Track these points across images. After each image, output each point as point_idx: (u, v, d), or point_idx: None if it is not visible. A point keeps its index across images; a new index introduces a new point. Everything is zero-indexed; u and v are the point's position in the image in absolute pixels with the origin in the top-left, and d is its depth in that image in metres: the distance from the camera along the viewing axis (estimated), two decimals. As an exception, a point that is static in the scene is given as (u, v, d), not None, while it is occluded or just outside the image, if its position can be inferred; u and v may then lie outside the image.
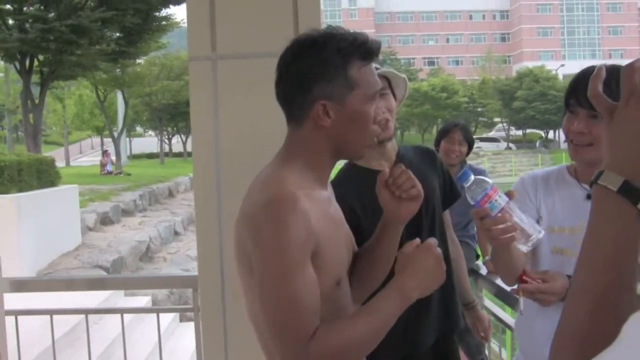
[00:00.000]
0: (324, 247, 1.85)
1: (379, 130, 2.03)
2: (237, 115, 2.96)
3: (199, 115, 3.00)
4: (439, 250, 1.92)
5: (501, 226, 2.08)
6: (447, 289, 3.09)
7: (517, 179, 2.80)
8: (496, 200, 2.08)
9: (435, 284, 1.93)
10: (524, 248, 2.14)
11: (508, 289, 3.56)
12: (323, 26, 2.87)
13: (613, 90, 1.11)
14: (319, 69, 1.88)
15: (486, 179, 2.13)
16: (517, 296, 2.41)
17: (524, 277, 2.32)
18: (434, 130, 59.07)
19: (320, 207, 1.90)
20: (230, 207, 2.84)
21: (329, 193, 2.06)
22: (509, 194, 2.11)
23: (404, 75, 3.01)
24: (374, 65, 1.99)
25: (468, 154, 5.46)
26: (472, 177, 2.12)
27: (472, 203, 2.12)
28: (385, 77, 2.92)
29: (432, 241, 1.94)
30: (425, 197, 2.89)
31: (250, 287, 1.90)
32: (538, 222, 2.56)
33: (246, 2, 2.98)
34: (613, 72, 1.29)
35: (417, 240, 1.96)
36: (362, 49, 1.92)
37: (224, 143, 2.97)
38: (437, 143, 5.47)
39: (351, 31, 1.96)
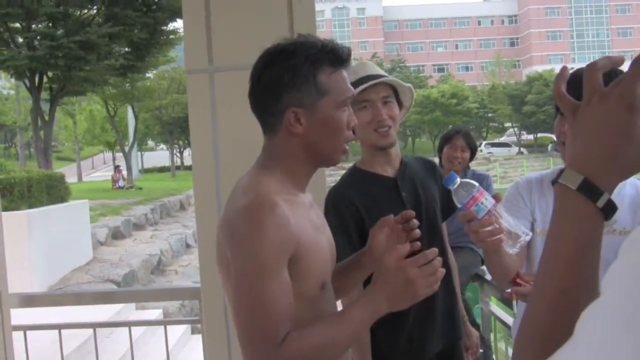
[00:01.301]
0: (305, 251, 1.87)
1: (352, 135, 2.04)
2: (235, 127, 2.98)
3: (197, 127, 3.03)
4: (414, 271, 1.83)
5: (488, 228, 2.08)
6: (451, 297, 3.10)
7: None
8: (482, 203, 2.08)
9: (404, 303, 1.88)
10: (511, 250, 2.14)
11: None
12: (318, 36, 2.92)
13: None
14: (289, 77, 1.90)
15: (472, 182, 2.13)
16: (511, 299, 2.42)
17: (517, 280, 2.33)
18: (445, 137, 58.65)
19: (301, 212, 1.92)
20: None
21: (309, 199, 2.08)
22: (496, 197, 2.12)
23: (408, 85, 3.03)
24: (344, 72, 2.00)
25: (471, 160, 5.47)
26: (459, 180, 2.13)
27: (458, 206, 2.13)
28: (390, 86, 2.94)
29: (432, 253, 1.88)
30: (425, 206, 2.94)
31: (228, 290, 1.91)
32: (533, 225, 2.58)
33: (242, 15, 3.01)
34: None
35: (402, 249, 1.90)
36: (331, 55, 1.94)
37: (223, 155, 3.00)
38: (440, 150, 5.48)
39: (321, 38, 1.98)
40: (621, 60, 1.04)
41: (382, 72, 2.98)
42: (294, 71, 1.89)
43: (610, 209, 1.00)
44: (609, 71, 1.01)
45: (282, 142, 1.96)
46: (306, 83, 1.90)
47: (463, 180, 2.13)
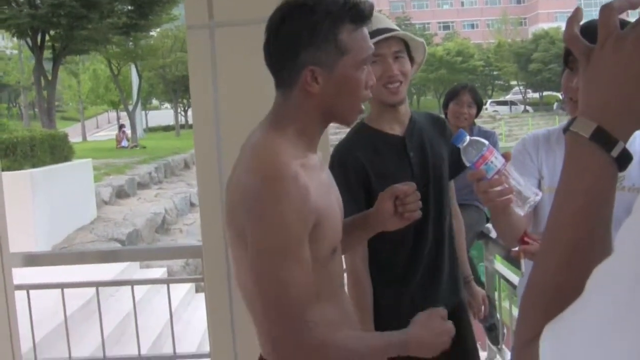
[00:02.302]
0: (323, 219, 1.84)
1: (369, 94, 1.99)
2: (236, 84, 2.94)
3: (198, 85, 2.99)
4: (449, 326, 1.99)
5: (497, 188, 2.04)
6: (454, 260, 3.08)
7: None
8: (492, 162, 2.03)
9: (430, 354, 1.96)
10: (521, 211, 2.09)
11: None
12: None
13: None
14: (308, 33, 1.82)
15: (482, 140, 2.08)
16: (519, 258, 2.40)
17: (525, 239, 2.30)
18: (451, 95, 58.65)
19: (315, 176, 1.88)
20: (231, 176, 2.85)
21: (319, 158, 2.04)
22: (506, 156, 2.07)
23: (421, 40, 2.95)
24: (366, 29, 1.92)
25: (477, 115, 5.41)
26: (468, 138, 2.08)
27: (467, 164, 2.09)
28: (402, 41, 2.86)
29: (442, 313, 2.02)
30: (433, 165, 2.90)
31: (241, 257, 1.87)
32: (540, 182, 2.54)
33: (242, -32, 2.94)
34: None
35: (442, 312, 2.04)
36: (353, 12, 1.86)
37: (223, 112, 2.96)
38: (446, 105, 5.42)
39: None
40: (639, 2, 0.97)
41: (393, 26, 2.88)
42: (314, 28, 1.82)
43: (625, 159, 0.94)
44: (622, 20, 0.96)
45: (297, 100, 1.89)
46: (326, 41, 1.83)
47: (472, 138, 2.08)
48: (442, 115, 5.14)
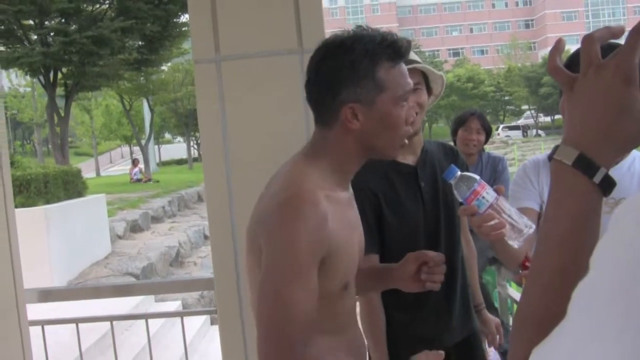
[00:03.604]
0: (337, 250, 1.84)
1: (410, 130, 2.01)
2: (244, 116, 2.96)
3: (206, 118, 3.01)
4: None
5: (490, 223, 2.04)
6: (466, 290, 3.08)
7: None
8: (484, 197, 2.03)
9: None
10: (515, 244, 2.07)
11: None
12: (325, 21, 2.90)
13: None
14: (347, 72, 1.86)
15: (473, 175, 2.08)
16: (522, 282, 2.40)
17: (526, 263, 2.30)
18: (462, 122, 58.68)
19: (339, 210, 1.88)
20: (242, 207, 2.87)
21: (349, 195, 2.05)
22: (498, 190, 2.07)
23: (440, 73, 2.99)
24: (404, 65, 1.96)
25: (486, 141, 5.41)
26: (459, 173, 2.07)
27: (460, 200, 2.09)
28: (421, 72, 2.89)
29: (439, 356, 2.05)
30: (443, 196, 2.92)
31: (256, 282, 1.87)
32: (542, 206, 2.54)
33: (247, 2, 2.98)
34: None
35: (439, 355, 2.06)
36: (391, 49, 1.89)
37: (233, 145, 2.98)
38: (454, 132, 5.41)
39: (380, 31, 1.93)
40: (621, 31, 1.00)
41: (414, 57, 2.91)
42: (353, 66, 1.86)
43: (608, 185, 0.96)
44: (608, 45, 0.98)
45: (336, 136, 1.92)
46: (365, 78, 1.86)
47: (463, 173, 2.08)
48: (451, 143, 5.16)
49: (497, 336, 3.40)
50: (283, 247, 1.75)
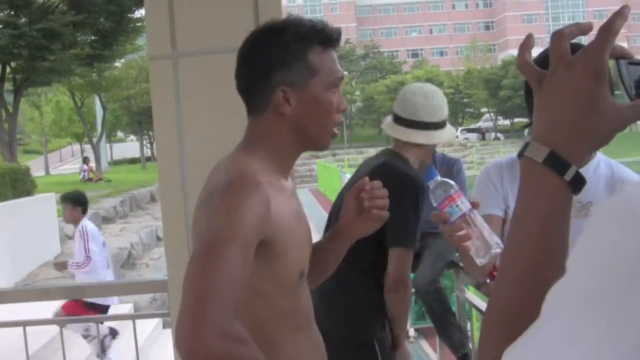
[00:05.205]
0: (284, 237, 1.82)
1: (341, 119, 2.02)
2: (201, 114, 2.94)
3: (161, 116, 2.99)
4: None
5: (459, 233, 2.02)
6: None
7: None
8: (457, 206, 2.00)
9: None
10: (481, 260, 2.00)
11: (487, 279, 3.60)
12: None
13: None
14: (278, 54, 1.86)
15: (451, 182, 2.07)
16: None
17: (495, 273, 2.29)
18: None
19: (283, 197, 1.88)
20: (197, 208, 2.85)
21: (292, 185, 2.04)
22: (474, 204, 2.05)
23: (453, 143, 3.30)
24: (334, 53, 1.97)
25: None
26: (438, 178, 2.06)
27: (434, 204, 2.07)
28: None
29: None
30: None
31: None
32: (506, 211, 2.55)
33: (205, -3, 2.96)
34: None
35: None
36: (322, 33, 1.91)
37: (189, 144, 2.96)
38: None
39: (310, 19, 1.95)
40: (589, 27, 1.01)
41: (446, 108, 3.35)
42: (284, 48, 1.86)
43: (578, 183, 0.96)
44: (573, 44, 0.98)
45: (268, 122, 1.91)
46: (296, 61, 1.87)
47: (442, 179, 2.06)
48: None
49: None
50: (220, 218, 1.65)
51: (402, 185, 3.07)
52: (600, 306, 0.71)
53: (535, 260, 0.95)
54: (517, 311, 0.93)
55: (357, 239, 2.25)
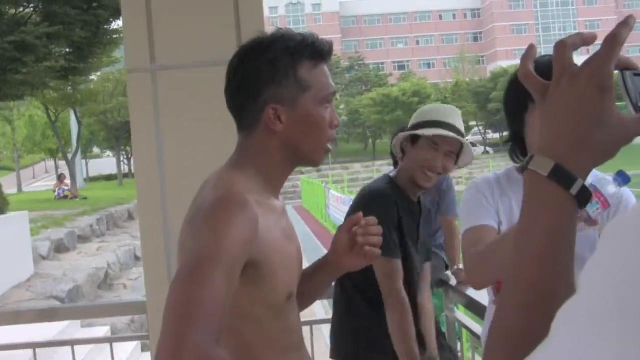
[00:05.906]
0: (272, 257, 1.82)
1: (334, 134, 2.01)
2: (180, 129, 2.95)
3: (140, 131, 2.99)
4: None
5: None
6: None
7: None
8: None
9: None
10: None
11: (478, 298, 3.63)
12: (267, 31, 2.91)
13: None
14: (267, 70, 1.86)
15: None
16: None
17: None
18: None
19: (272, 218, 1.88)
20: (178, 225, 2.84)
21: (282, 205, 2.04)
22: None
23: (473, 155, 3.31)
24: (326, 67, 1.97)
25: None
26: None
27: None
28: (459, 142, 3.17)
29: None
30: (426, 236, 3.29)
31: None
32: (499, 226, 2.55)
33: (185, 10, 2.97)
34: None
35: None
36: (312, 48, 1.91)
37: (168, 159, 2.96)
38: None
39: (301, 32, 1.95)
40: (593, 38, 1.01)
41: (461, 125, 3.23)
42: (273, 64, 1.86)
43: (584, 196, 0.97)
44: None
45: (259, 140, 1.91)
46: (286, 77, 1.87)
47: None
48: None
49: None
50: (206, 237, 1.64)
51: (369, 200, 3.18)
52: (615, 324, 0.71)
53: (540, 277, 0.95)
54: (521, 330, 0.93)
55: (344, 273, 2.25)
